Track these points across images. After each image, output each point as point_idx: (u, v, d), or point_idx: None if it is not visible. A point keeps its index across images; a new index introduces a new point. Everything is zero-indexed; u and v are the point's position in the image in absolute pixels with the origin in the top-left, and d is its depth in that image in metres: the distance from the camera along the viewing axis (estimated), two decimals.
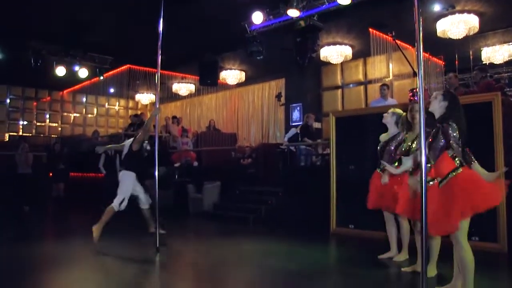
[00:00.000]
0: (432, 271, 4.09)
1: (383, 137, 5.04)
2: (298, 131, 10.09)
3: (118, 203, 5.81)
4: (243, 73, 13.81)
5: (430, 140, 3.41)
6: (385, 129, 5.05)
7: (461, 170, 3.28)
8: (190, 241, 6.96)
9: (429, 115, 3.64)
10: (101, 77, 13.40)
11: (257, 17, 9.40)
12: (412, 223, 4.37)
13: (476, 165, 3.36)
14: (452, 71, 8.88)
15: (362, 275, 4.34)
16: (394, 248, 5.03)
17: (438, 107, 3.46)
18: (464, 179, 3.24)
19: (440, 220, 3.25)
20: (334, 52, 10.95)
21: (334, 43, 10.87)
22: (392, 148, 4.80)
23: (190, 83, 15.25)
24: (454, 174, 3.28)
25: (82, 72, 13.01)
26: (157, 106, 5.88)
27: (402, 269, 4.41)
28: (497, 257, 5.02)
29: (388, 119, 4.96)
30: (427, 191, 2.57)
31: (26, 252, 5.43)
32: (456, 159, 3.30)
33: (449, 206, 3.22)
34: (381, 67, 11.10)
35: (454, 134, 3.27)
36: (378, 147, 5.00)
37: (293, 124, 12.00)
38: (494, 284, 4.07)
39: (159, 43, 5.58)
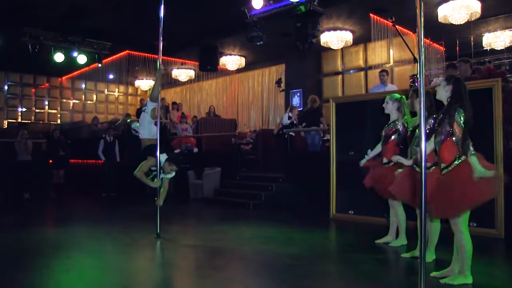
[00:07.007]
0: (430, 257, 4.12)
1: None
2: (289, 114, 10.04)
3: None
4: (243, 59, 13.73)
5: (436, 125, 3.39)
6: (385, 115, 5.00)
7: (463, 158, 3.28)
8: (191, 226, 7.00)
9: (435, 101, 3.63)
10: (100, 65, 13.32)
11: (257, 2, 9.29)
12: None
13: (473, 159, 3.22)
14: (452, 57, 8.84)
15: (360, 260, 4.38)
16: (393, 233, 5.07)
17: (443, 92, 3.43)
18: (466, 171, 3.23)
19: (441, 206, 3.26)
20: (335, 38, 10.87)
21: (335, 29, 10.78)
22: (390, 132, 4.79)
23: (190, 68, 15.16)
24: (458, 162, 3.28)
25: (81, 58, 12.91)
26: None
27: (402, 255, 4.44)
28: (494, 243, 5.07)
29: (390, 107, 4.87)
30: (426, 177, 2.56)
31: (27, 238, 5.46)
32: (459, 146, 3.29)
33: (452, 193, 3.22)
34: (382, 53, 11.04)
35: (459, 120, 3.25)
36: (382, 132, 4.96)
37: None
38: (491, 268, 4.11)
39: (160, 29, 5.50)
